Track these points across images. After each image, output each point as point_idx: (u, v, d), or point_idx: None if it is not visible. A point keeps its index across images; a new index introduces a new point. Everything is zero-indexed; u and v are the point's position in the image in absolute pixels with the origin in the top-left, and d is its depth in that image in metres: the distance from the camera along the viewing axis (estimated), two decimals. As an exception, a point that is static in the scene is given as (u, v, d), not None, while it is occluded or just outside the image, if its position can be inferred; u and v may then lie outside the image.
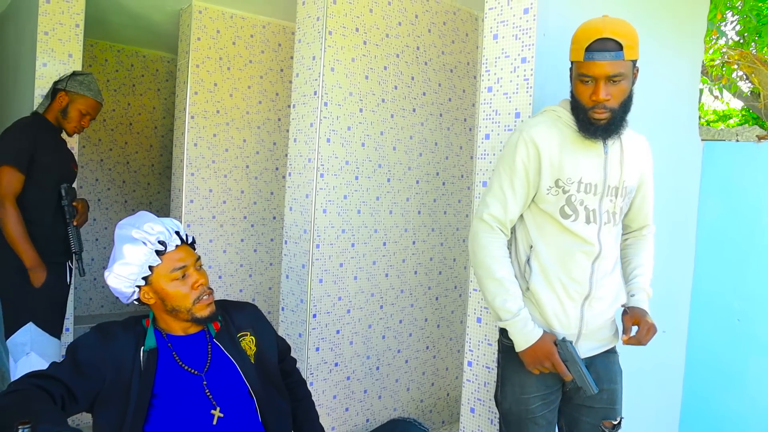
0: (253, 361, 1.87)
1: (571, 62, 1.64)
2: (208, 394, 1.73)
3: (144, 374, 1.68)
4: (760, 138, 3.07)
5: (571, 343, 1.64)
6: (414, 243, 3.28)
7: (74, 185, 2.93)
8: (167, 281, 1.72)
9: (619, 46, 1.53)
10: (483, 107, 2.08)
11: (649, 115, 2.43)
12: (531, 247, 1.72)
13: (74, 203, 2.82)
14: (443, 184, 3.40)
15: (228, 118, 3.79)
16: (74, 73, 2.89)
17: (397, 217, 3.17)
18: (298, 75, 2.87)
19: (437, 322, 3.47)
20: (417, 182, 3.26)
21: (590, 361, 1.74)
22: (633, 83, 1.62)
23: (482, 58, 2.09)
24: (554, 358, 1.61)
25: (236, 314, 1.93)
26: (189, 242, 1.83)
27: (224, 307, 1.91)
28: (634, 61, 1.59)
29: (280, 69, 4.00)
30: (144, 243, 1.70)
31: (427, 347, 3.44)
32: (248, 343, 1.90)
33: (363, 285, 3.04)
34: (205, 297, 1.77)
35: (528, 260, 1.72)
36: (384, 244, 3.12)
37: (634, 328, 1.71)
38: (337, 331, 2.94)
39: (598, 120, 1.59)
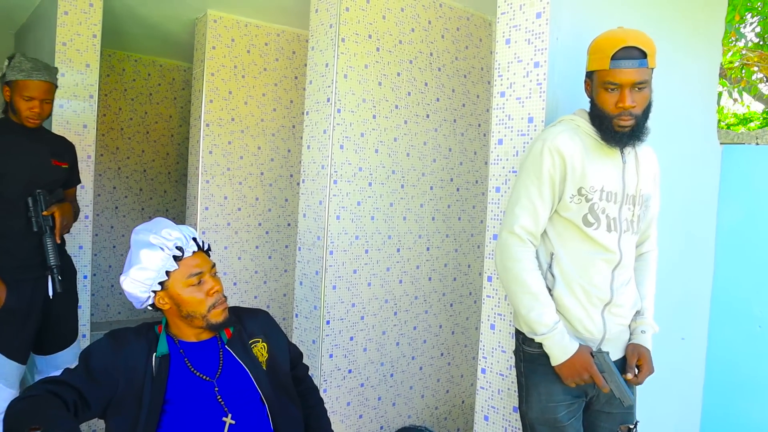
0: (265, 368, 1.86)
1: (592, 72, 1.65)
2: (220, 400, 1.73)
3: (156, 380, 1.68)
4: (780, 141, 3.02)
5: (607, 353, 1.65)
6: (428, 249, 3.26)
7: (76, 188, 2.77)
8: (183, 287, 1.72)
9: (644, 54, 1.57)
10: (496, 112, 2.07)
11: (666, 119, 2.40)
12: (552, 254, 1.72)
13: (46, 212, 2.45)
14: (457, 190, 3.39)
15: (243, 126, 3.81)
16: (8, 60, 2.51)
17: (411, 224, 3.16)
18: (311, 82, 2.88)
19: (452, 328, 3.45)
20: (431, 188, 3.25)
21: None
22: (652, 91, 1.65)
23: (495, 62, 2.08)
24: (592, 370, 1.61)
25: (248, 321, 1.93)
26: (205, 249, 1.84)
27: (237, 313, 1.91)
28: (653, 69, 1.63)
29: (294, 77, 4.02)
30: (161, 248, 1.71)
31: (442, 354, 3.42)
32: (260, 349, 1.90)
33: (377, 291, 3.03)
34: (219, 304, 1.77)
35: (550, 267, 1.71)
36: (398, 250, 3.11)
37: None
38: (351, 338, 2.93)
39: (623, 127, 1.60)
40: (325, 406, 2.71)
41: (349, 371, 2.95)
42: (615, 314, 1.72)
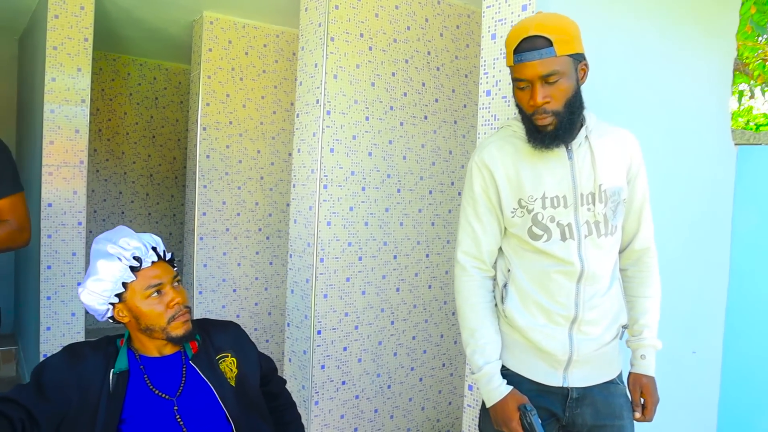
0: (233, 384, 1.76)
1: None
2: (179, 419, 1.63)
3: (112, 397, 1.60)
4: (801, 141, 2.83)
5: (534, 413, 1.44)
6: (428, 256, 3.14)
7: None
8: (142, 299, 1.64)
9: (549, 42, 1.37)
10: (481, 112, 1.94)
11: (674, 118, 2.25)
12: (509, 270, 1.56)
13: None
14: (459, 194, 3.25)
15: (241, 129, 3.73)
16: None
17: (409, 229, 3.04)
18: (301, 83, 2.79)
19: (454, 338, 3.31)
20: (430, 192, 3.12)
21: (585, 393, 1.54)
22: (579, 80, 1.44)
23: (480, 59, 1.95)
24: (512, 425, 1.45)
25: (217, 334, 1.83)
26: (167, 259, 1.74)
27: (204, 326, 1.82)
28: (575, 56, 1.41)
29: (294, 78, 3.93)
30: (119, 258, 1.62)
31: (444, 365, 3.28)
32: (229, 365, 1.80)
33: (372, 300, 2.91)
34: (180, 316, 1.67)
35: (506, 284, 1.56)
36: (395, 257, 2.99)
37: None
38: (344, 348, 2.82)
39: (543, 126, 1.42)
40: (317, 418, 2.61)
41: (343, 383, 2.84)
42: (585, 333, 1.51)
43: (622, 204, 1.52)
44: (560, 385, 1.53)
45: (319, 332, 2.72)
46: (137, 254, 1.64)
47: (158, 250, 1.70)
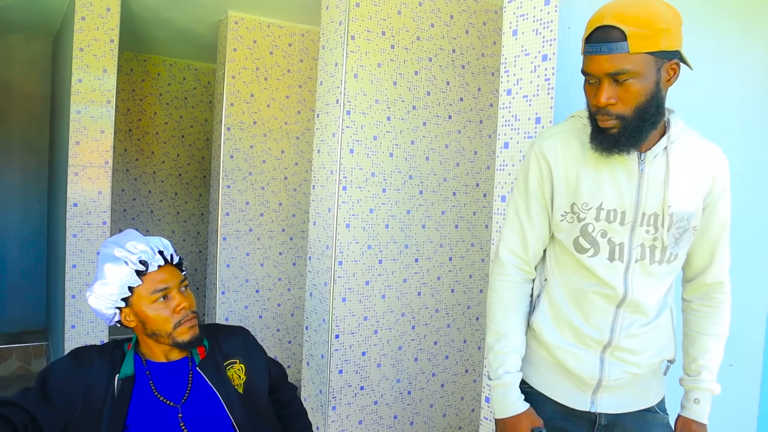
0: (241, 392, 1.73)
1: None
2: (183, 427, 1.60)
3: (117, 403, 1.57)
4: None
5: None
6: (451, 259, 3.06)
7: None
8: (148, 303, 1.61)
9: (623, 36, 1.18)
10: (502, 112, 1.86)
11: (713, 121, 2.12)
12: (546, 280, 1.43)
13: None
14: (484, 195, 3.16)
15: (265, 129, 3.71)
16: None
17: (431, 232, 2.96)
18: (321, 83, 2.74)
19: (477, 343, 3.23)
20: (454, 194, 3.04)
21: (616, 420, 1.41)
22: (660, 83, 1.22)
23: (501, 57, 1.87)
24: None
25: (225, 340, 1.79)
26: (174, 263, 1.72)
27: (213, 331, 1.79)
28: (660, 54, 1.20)
29: (320, 78, 3.90)
30: (125, 262, 1.60)
31: (467, 370, 3.20)
32: (237, 371, 1.76)
33: (392, 304, 2.85)
34: (186, 321, 1.64)
35: (539, 295, 1.44)
36: (416, 260, 2.92)
37: None
38: (363, 353, 2.76)
39: (607, 129, 1.24)
40: (334, 424, 2.57)
41: (361, 388, 2.78)
42: (621, 359, 1.36)
43: (691, 232, 1.32)
44: (587, 410, 1.40)
45: (337, 336, 2.67)
46: (143, 258, 1.61)
47: (165, 253, 1.67)
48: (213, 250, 3.69)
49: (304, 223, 3.91)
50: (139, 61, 4.81)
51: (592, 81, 1.25)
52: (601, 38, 1.20)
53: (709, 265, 1.39)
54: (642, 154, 1.28)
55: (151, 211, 4.97)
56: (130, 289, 1.59)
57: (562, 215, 1.35)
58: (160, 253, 1.65)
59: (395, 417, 2.93)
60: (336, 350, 2.67)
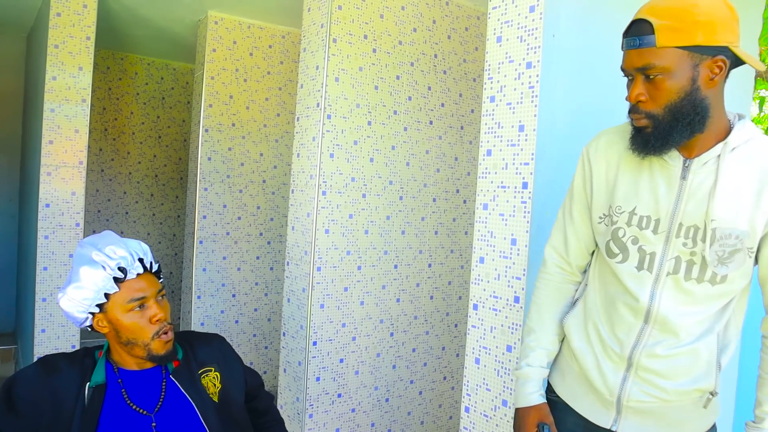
0: (216, 400, 1.68)
1: None
2: (156, 437, 1.55)
3: (87, 412, 1.52)
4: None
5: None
6: (430, 266, 3.04)
7: None
8: (123, 312, 1.56)
9: (651, 29, 1.13)
10: (485, 119, 1.84)
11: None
12: (586, 285, 1.41)
13: None
14: (464, 202, 3.15)
15: (244, 132, 3.66)
16: None
17: (411, 238, 2.94)
18: (302, 86, 2.71)
19: (456, 350, 3.21)
20: (434, 200, 3.02)
21: None
22: (697, 81, 1.15)
23: (485, 63, 1.86)
24: None
25: (200, 348, 1.75)
26: (153, 271, 1.67)
27: (187, 339, 1.74)
28: (696, 49, 1.13)
29: (300, 80, 3.86)
30: (103, 267, 1.55)
31: (445, 378, 3.18)
32: (212, 379, 1.72)
33: (371, 311, 2.82)
34: (164, 333, 1.59)
35: (578, 299, 1.42)
36: (395, 266, 2.89)
37: None
38: (341, 360, 2.73)
39: (640, 128, 1.20)
40: (307, 434, 2.52)
41: (339, 395, 2.75)
42: (645, 380, 1.28)
43: (746, 253, 1.18)
44: (609, 428, 1.34)
45: (314, 343, 2.63)
46: (122, 264, 1.56)
47: (145, 261, 1.62)
48: (189, 254, 3.62)
49: (282, 227, 3.86)
50: (116, 59, 4.72)
51: (629, 78, 1.21)
52: (633, 32, 1.17)
53: None
54: (688, 161, 1.20)
55: (127, 213, 4.88)
56: (106, 295, 1.54)
57: (600, 218, 1.32)
58: (140, 260, 1.61)
59: (373, 425, 2.90)
60: (313, 357, 2.64)
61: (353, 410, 2.81)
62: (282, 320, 2.78)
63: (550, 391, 1.45)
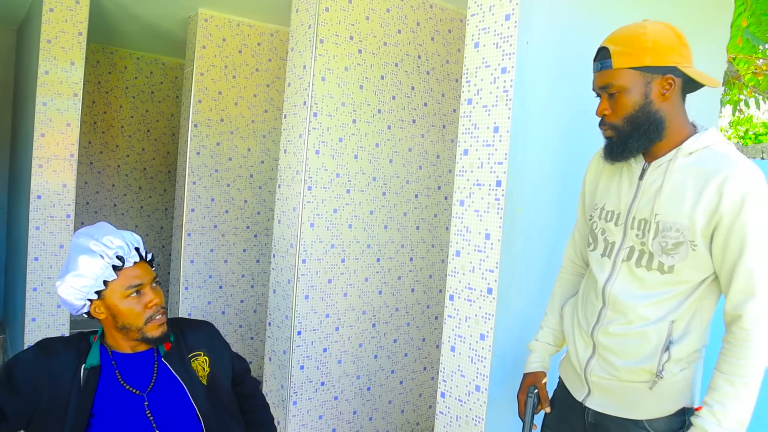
0: (205, 383, 1.78)
1: None
2: (149, 415, 1.65)
3: (83, 392, 1.62)
4: (787, 157, 2.84)
5: (532, 397, 1.60)
6: (411, 260, 3.15)
7: None
8: (121, 298, 1.66)
9: (608, 54, 1.37)
10: (462, 120, 1.95)
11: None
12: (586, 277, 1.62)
13: None
14: (445, 198, 3.26)
15: (232, 127, 3.74)
16: None
17: (393, 232, 3.05)
18: (290, 84, 2.80)
19: (436, 342, 3.32)
20: (416, 196, 3.13)
21: (601, 421, 1.47)
22: (649, 96, 1.35)
23: (463, 67, 1.96)
24: (519, 395, 1.64)
25: (190, 333, 1.85)
26: (148, 260, 1.76)
27: (178, 325, 1.84)
28: (646, 70, 1.34)
29: (288, 77, 3.95)
30: (101, 256, 1.64)
31: (425, 368, 3.30)
32: (201, 363, 1.82)
33: (353, 302, 2.92)
34: (158, 317, 1.69)
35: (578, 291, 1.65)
36: (378, 260, 3.00)
37: None
38: (324, 350, 2.83)
39: (608, 138, 1.44)
40: (295, 419, 2.63)
41: (322, 384, 2.85)
42: (603, 358, 1.44)
43: (688, 246, 1.31)
44: (581, 401, 1.51)
45: (299, 333, 2.73)
46: (120, 253, 1.65)
47: (140, 250, 1.72)
48: (177, 246, 3.70)
49: (269, 221, 3.95)
50: (106, 53, 4.77)
51: (598, 95, 1.44)
52: (597, 58, 1.41)
53: (728, 293, 1.32)
54: (647, 164, 1.41)
55: (115, 205, 4.94)
56: (105, 283, 1.63)
57: (590, 217, 1.55)
58: (136, 249, 1.70)
59: (354, 413, 3.01)
60: (298, 346, 2.74)
61: (336, 398, 2.91)
62: (268, 311, 2.87)
63: (560, 377, 1.67)
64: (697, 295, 1.36)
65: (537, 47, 1.86)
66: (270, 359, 2.86)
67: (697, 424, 1.29)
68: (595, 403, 1.48)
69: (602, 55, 1.39)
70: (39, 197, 3.15)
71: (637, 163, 1.42)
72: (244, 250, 3.85)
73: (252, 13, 3.65)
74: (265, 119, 3.88)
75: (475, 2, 1.94)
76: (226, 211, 3.76)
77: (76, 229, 3.82)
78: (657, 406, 1.41)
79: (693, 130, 1.40)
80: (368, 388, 3.04)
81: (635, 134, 1.37)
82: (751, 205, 1.25)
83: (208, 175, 3.66)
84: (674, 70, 1.35)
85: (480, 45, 1.92)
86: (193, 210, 3.62)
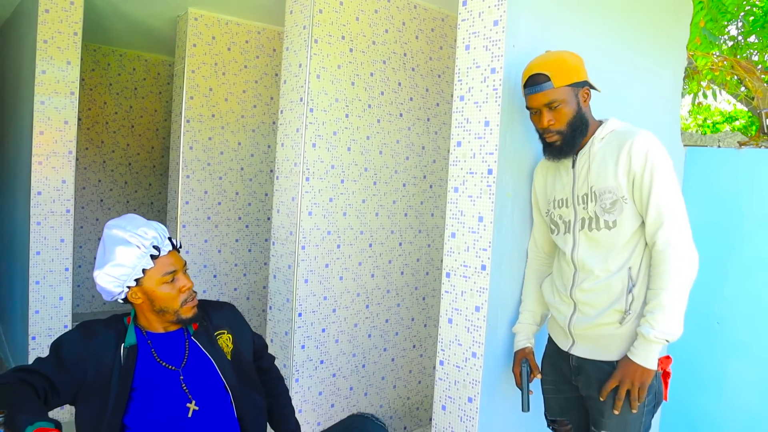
0: (229, 358, 1.96)
1: None
2: (185, 388, 1.82)
3: (123, 369, 1.78)
4: (741, 144, 3.12)
5: (526, 368, 1.96)
6: (401, 244, 3.36)
7: None
8: (157, 284, 1.81)
9: (547, 78, 1.75)
10: (455, 116, 2.15)
11: (632, 121, 2.49)
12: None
13: None
14: (430, 186, 3.48)
15: (223, 122, 3.89)
16: None
17: (384, 219, 3.25)
18: (285, 82, 2.97)
19: (424, 321, 3.55)
20: (404, 185, 3.34)
21: (582, 364, 1.87)
22: (580, 104, 1.80)
23: (456, 67, 2.16)
24: (514, 369, 2.01)
25: (214, 314, 2.02)
26: (178, 248, 1.93)
27: (203, 306, 2.00)
28: (574, 85, 1.78)
29: (274, 74, 4.10)
30: (138, 246, 1.79)
31: (414, 346, 3.52)
32: (225, 341, 1.99)
33: (349, 285, 3.13)
34: (191, 300, 1.87)
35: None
36: (370, 245, 3.20)
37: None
38: (323, 330, 3.03)
39: (552, 143, 1.81)
40: (297, 395, 2.82)
41: (321, 362, 3.05)
42: (581, 312, 1.84)
43: (621, 201, 1.70)
44: (567, 350, 1.90)
45: (300, 314, 2.92)
46: (156, 243, 1.82)
47: (173, 240, 1.89)
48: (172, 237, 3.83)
49: (259, 212, 4.12)
50: (89, 50, 4.84)
51: (534, 112, 1.83)
52: (535, 82, 1.79)
53: (647, 227, 1.70)
54: (575, 156, 1.84)
55: (101, 200, 5.02)
56: (143, 270, 1.79)
57: (545, 213, 1.97)
58: (169, 239, 1.88)
59: (351, 388, 3.21)
60: (299, 327, 2.93)
61: (334, 375, 3.12)
62: (268, 295, 3.05)
63: (549, 334, 2.05)
64: (641, 243, 1.74)
65: (522, 50, 2.07)
66: (272, 341, 3.04)
67: (639, 331, 1.68)
68: (578, 350, 1.88)
69: (541, 80, 1.76)
70: (39, 193, 3.26)
71: (567, 158, 1.84)
72: (237, 240, 4.01)
73: (240, 12, 3.79)
74: (254, 114, 4.03)
75: (466, 9, 2.14)
76: (219, 203, 3.91)
77: (76, 223, 3.92)
78: (624, 348, 1.78)
79: (599, 123, 1.85)
80: (363, 366, 3.25)
81: (575, 134, 1.79)
82: (651, 159, 1.67)
83: (200, 168, 3.81)
84: (586, 83, 1.82)
85: (471, 47, 2.12)
86: (187, 202, 3.76)
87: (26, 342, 3.29)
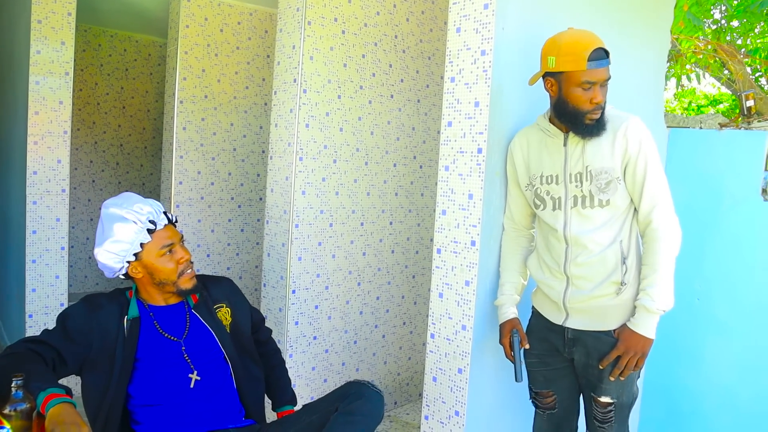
0: (228, 331, 2.04)
1: (561, 72, 1.81)
2: (187, 358, 1.90)
3: (127, 341, 1.85)
4: (722, 126, 3.21)
5: (517, 337, 1.98)
6: (391, 223, 3.44)
7: None
8: (156, 257, 1.88)
9: (608, 54, 1.79)
10: (446, 96, 2.22)
11: (616, 103, 2.57)
12: (535, 234, 2.07)
13: None
14: (420, 167, 3.55)
15: (216, 103, 3.93)
16: None
17: (375, 199, 3.33)
18: (279, 63, 3.01)
19: (414, 299, 3.64)
20: (394, 165, 3.41)
21: (579, 336, 1.94)
22: None
23: (447, 49, 2.22)
24: (503, 341, 2.03)
25: (213, 287, 2.09)
26: (174, 222, 2.00)
27: (202, 280, 2.07)
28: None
29: (266, 55, 4.14)
30: (135, 222, 1.85)
31: (404, 323, 3.61)
32: (224, 314, 2.07)
33: (341, 263, 3.20)
34: (189, 271, 1.94)
35: (535, 246, 2.08)
36: (361, 224, 3.28)
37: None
38: (316, 307, 3.11)
39: (593, 120, 1.79)
40: (291, 370, 2.90)
41: (314, 338, 3.13)
42: (577, 286, 1.89)
43: (616, 182, 1.79)
44: (561, 324, 1.96)
45: (293, 291, 2.99)
46: (152, 218, 1.88)
47: (168, 214, 1.95)
48: (165, 217, 3.89)
49: (252, 192, 4.17)
50: (80, 31, 4.83)
51: (588, 87, 1.77)
52: (600, 56, 1.77)
53: (639, 207, 1.82)
54: (566, 135, 1.86)
55: (93, 181, 5.05)
56: (142, 245, 1.86)
57: (525, 186, 1.99)
58: (164, 213, 1.94)
59: (343, 364, 3.31)
60: (293, 304, 3.00)
61: (326, 351, 3.20)
62: (263, 273, 3.12)
63: (534, 309, 2.11)
64: (630, 217, 1.86)
65: (511, 32, 2.14)
66: (266, 317, 3.11)
67: (639, 304, 1.79)
68: (573, 323, 1.94)
69: (605, 55, 1.77)
70: (35, 173, 3.30)
71: (557, 137, 1.87)
72: (230, 220, 4.07)
73: (232, -7, 3.82)
74: (246, 95, 4.07)
75: (457, -8, 2.19)
76: (212, 183, 3.96)
77: (71, 203, 3.96)
78: (620, 317, 1.88)
79: None
80: (355, 342, 3.34)
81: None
82: (645, 144, 1.78)
83: (194, 149, 3.85)
84: None
85: (461, 30, 2.18)
86: (180, 183, 3.81)
87: (23, 320, 3.34)
